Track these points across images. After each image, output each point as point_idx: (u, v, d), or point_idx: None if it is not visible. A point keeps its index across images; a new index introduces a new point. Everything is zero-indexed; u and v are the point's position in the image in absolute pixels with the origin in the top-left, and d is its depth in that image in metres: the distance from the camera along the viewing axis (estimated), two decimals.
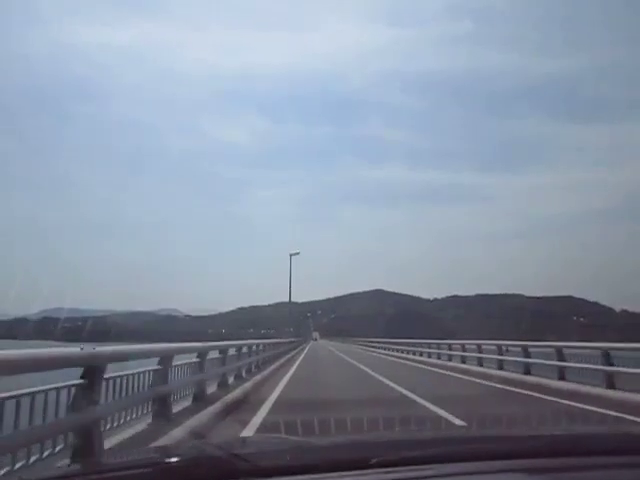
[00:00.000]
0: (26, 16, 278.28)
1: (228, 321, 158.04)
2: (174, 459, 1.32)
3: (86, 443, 4.22)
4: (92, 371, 4.40)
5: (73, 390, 4.25)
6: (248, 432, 5.79)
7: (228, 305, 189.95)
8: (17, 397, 3.42)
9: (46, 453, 3.69)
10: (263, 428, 5.90)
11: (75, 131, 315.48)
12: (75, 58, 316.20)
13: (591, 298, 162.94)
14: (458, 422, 5.79)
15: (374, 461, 1.26)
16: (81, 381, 4.31)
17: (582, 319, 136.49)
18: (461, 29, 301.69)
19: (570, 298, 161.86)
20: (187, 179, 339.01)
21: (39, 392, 3.76)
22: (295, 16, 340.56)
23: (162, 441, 4.94)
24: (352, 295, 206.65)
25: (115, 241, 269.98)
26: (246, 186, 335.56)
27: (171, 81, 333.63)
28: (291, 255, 38.59)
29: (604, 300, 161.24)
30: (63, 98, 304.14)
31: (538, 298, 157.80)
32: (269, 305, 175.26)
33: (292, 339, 39.71)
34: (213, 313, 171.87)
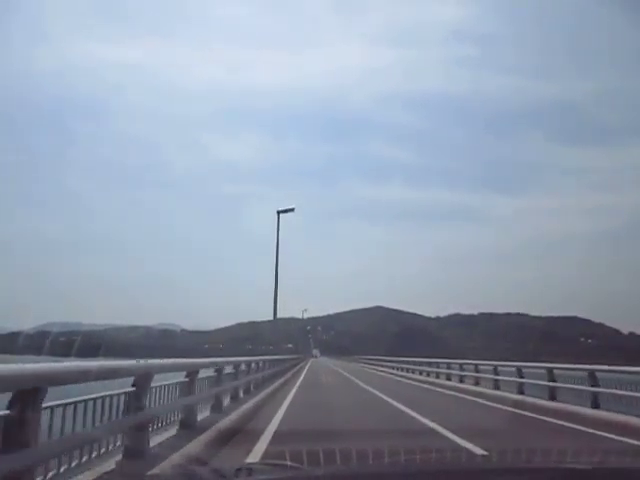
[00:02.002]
0: (33, 34, 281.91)
1: (226, 336, 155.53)
2: None
3: None
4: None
5: None
6: None
7: (226, 320, 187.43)
8: None
9: None
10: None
11: (79, 147, 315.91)
12: (80, 75, 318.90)
13: (596, 319, 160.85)
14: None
15: None
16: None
17: (590, 341, 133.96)
18: (464, 52, 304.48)
19: (575, 319, 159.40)
20: (188, 195, 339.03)
21: None
22: (297, 36, 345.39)
23: None
24: (352, 312, 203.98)
25: (116, 256, 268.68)
26: (246, 202, 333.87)
27: (173, 98, 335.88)
28: (279, 212, 27.20)
29: (610, 322, 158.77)
30: (68, 114, 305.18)
31: (542, 318, 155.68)
32: (268, 321, 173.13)
33: (288, 356, 36.93)
34: (211, 328, 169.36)
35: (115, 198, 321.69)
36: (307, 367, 40.15)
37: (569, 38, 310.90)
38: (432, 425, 8.82)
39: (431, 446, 5.52)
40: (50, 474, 3.53)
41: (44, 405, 3.32)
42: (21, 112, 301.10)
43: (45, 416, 3.44)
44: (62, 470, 3.72)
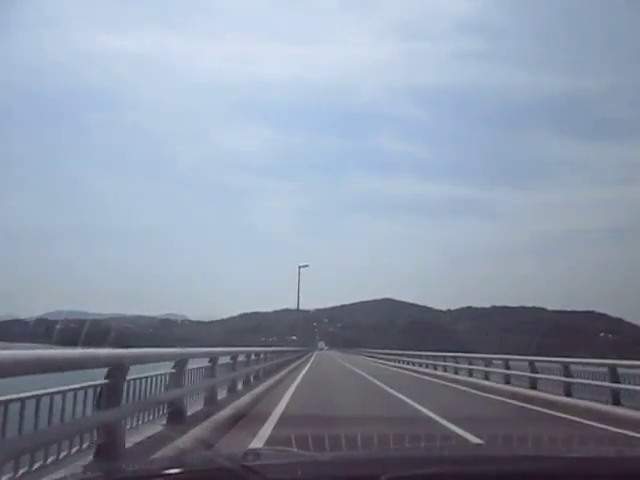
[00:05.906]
0: (42, 26, 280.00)
1: (229, 327, 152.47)
2: (183, 469, 1.36)
3: None
4: None
5: None
6: None
7: (230, 311, 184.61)
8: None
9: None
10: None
11: (88, 139, 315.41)
12: (89, 67, 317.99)
13: (614, 314, 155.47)
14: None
15: (384, 478, 1.27)
16: None
17: (610, 335, 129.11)
18: (471, 45, 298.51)
19: (592, 313, 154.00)
20: (194, 187, 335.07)
21: None
22: (306, 29, 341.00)
23: None
24: (360, 304, 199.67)
25: (124, 246, 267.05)
26: (253, 195, 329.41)
27: (183, 90, 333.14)
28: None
29: (628, 317, 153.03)
30: (76, 106, 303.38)
31: (558, 312, 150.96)
32: (273, 312, 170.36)
33: (290, 349, 33.71)
34: (214, 319, 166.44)
35: (121, 188, 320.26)
36: (310, 364, 34.88)
37: (579, 33, 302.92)
38: None
39: (436, 433, 5.80)
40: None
41: None
42: (32, 104, 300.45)
43: None
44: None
